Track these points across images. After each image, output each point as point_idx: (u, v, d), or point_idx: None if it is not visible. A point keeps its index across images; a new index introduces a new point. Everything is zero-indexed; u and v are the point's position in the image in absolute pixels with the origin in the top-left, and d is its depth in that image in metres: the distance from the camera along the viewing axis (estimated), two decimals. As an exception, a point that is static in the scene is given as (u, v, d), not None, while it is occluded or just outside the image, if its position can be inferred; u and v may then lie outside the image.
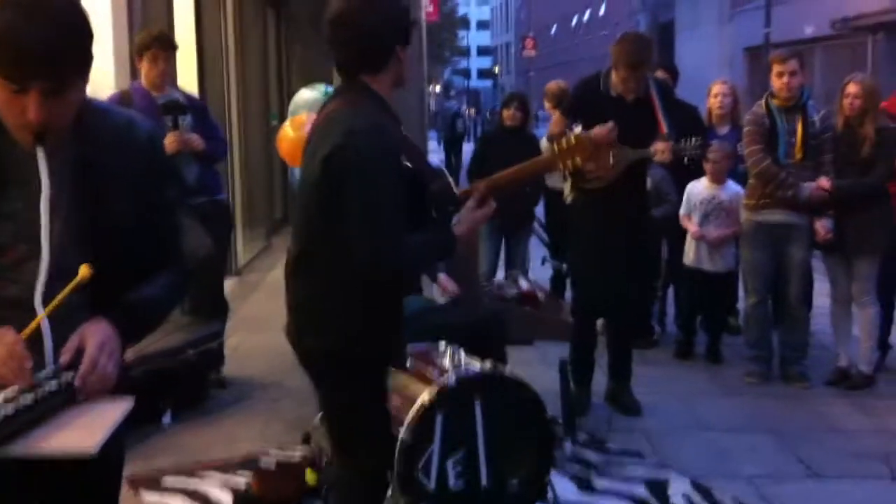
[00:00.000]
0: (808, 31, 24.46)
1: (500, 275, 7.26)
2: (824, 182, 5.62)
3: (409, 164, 2.71)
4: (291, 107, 6.54)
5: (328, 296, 2.77)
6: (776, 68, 5.75)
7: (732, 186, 6.29)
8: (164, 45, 5.56)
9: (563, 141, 2.91)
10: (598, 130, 4.76)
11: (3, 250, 1.96)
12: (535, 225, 7.98)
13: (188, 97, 5.84)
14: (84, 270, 1.92)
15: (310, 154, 2.77)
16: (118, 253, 2.03)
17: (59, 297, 1.91)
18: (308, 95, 6.43)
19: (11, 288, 1.97)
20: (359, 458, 2.97)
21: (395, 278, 2.77)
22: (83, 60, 1.93)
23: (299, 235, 2.86)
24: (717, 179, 6.30)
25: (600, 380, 5.59)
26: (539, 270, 8.22)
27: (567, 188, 6.05)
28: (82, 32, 1.91)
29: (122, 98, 5.52)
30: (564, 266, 6.99)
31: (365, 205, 2.59)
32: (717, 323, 6.57)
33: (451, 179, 2.97)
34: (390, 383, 3.06)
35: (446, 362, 3.86)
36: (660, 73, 6.48)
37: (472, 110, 50.80)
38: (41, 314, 1.92)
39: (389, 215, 2.60)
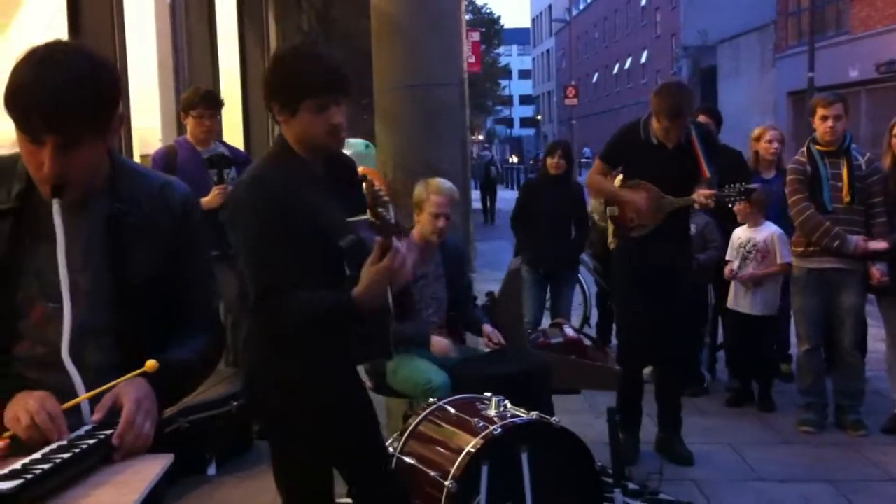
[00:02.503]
0: (853, 74, 24.34)
1: (546, 323, 7.20)
2: (881, 244, 5.52)
3: (308, 216, 2.74)
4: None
5: (248, 343, 2.94)
6: (820, 112, 5.68)
7: (769, 227, 6.22)
8: (210, 104, 5.65)
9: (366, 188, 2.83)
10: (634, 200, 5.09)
11: (29, 309, 1.98)
12: (583, 256, 7.92)
13: (233, 150, 5.91)
14: (151, 364, 1.93)
15: None
16: (146, 313, 2.04)
17: (113, 383, 1.92)
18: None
19: (38, 348, 1.98)
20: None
21: (279, 325, 2.79)
22: (97, 115, 1.93)
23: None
24: (752, 222, 6.26)
25: (650, 429, 5.49)
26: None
27: (609, 233, 6.01)
28: (94, 89, 1.91)
29: (167, 153, 5.60)
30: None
31: (244, 246, 2.76)
32: (762, 369, 6.44)
33: (371, 238, 2.82)
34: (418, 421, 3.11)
35: (492, 412, 3.82)
36: (702, 118, 6.44)
37: (516, 158, 51.01)
38: (83, 396, 1.93)
39: (269, 256, 2.72)
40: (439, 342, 4.66)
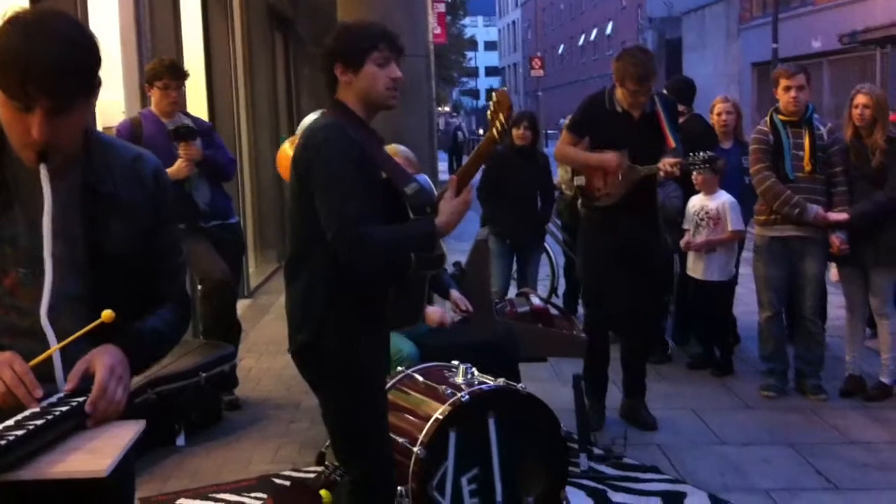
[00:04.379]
0: (816, 45, 24.52)
1: (513, 292, 7.25)
2: (842, 215, 5.62)
3: (380, 171, 2.94)
4: (299, 130, 6.59)
5: (311, 293, 2.95)
6: (783, 83, 5.76)
7: (721, 195, 6.31)
8: (175, 75, 5.60)
9: (490, 106, 2.98)
10: (607, 159, 5.04)
11: (1, 275, 1.98)
12: (551, 227, 7.99)
13: (196, 120, 5.88)
14: (107, 313, 1.95)
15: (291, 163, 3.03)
16: (119, 282, 2.05)
17: (77, 334, 1.93)
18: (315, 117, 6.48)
19: (13, 314, 1.99)
20: (360, 460, 3.06)
21: (362, 253, 2.81)
22: (88, 81, 1.95)
23: (290, 244, 3.07)
24: (707, 191, 6.36)
25: (615, 396, 5.57)
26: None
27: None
28: (88, 53, 1.93)
29: (132, 125, 5.56)
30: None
31: (326, 181, 2.83)
32: (716, 333, 6.57)
33: (429, 184, 3.05)
34: (386, 389, 3.16)
35: (459, 380, 3.87)
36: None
37: (482, 131, 50.97)
38: (54, 347, 1.94)
39: (349, 193, 2.80)
40: (434, 311, 4.73)
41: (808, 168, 5.69)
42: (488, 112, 2.99)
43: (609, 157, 5.14)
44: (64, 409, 1.85)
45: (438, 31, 22.22)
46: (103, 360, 1.94)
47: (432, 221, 2.89)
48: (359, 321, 2.95)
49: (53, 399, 1.89)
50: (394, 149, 4.74)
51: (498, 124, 2.94)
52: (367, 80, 2.94)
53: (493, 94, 3.03)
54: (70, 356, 1.96)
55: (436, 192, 3.20)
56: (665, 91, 6.59)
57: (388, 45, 2.96)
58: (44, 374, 1.92)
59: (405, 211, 2.91)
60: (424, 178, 5.25)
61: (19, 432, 1.74)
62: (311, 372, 3.06)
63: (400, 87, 3.00)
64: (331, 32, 3.05)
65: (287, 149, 6.23)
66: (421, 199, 2.94)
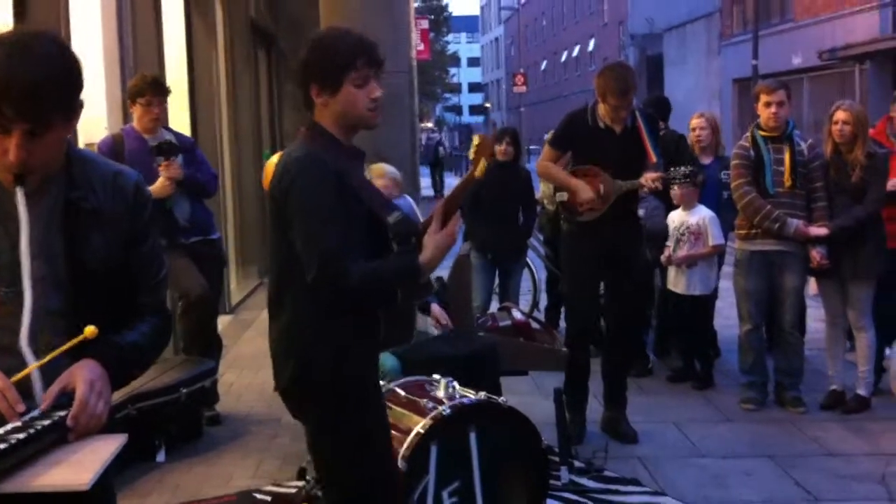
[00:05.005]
0: (796, 61, 24.72)
1: (494, 307, 7.28)
2: (822, 230, 5.67)
3: (359, 197, 2.77)
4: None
5: (295, 328, 2.81)
6: (764, 98, 5.82)
7: (701, 210, 6.37)
8: (158, 91, 5.60)
9: (473, 145, 2.92)
10: (581, 192, 5.16)
11: None
12: (533, 241, 8.02)
13: (179, 136, 5.88)
14: (89, 329, 1.95)
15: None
16: (99, 296, 2.05)
17: (57, 351, 1.94)
18: None
19: None
20: (344, 490, 2.91)
21: (343, 292, 2.69)
22: (67, 104, 1.95)
23: (271, 276, 2.94)
24: (686, 206, 6.42)
25: (596, 409, 5.59)
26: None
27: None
28: (68, 76, 1.93)
29: (114, 141, 5.56)
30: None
31: (304, 218, 2.67)
32: (697, 346, 6.62)
33: (414, 214, 2.92)
34: (376, 415, 2.99)
35: (440, 393, 3.88)
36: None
37: (463, 146, 51.18)
38: (34, 364, 1.95)
39: (329, 228, 2.65)
40: (441, 314, 4.77)
41: (788, 183, 5.75)
42: (471, 151, 2.88)
43: (583, 190, 5.19)
44: (46, 423, 1.86)
45: (422, 47, 22.31)
46: (83, 375, 1.94)
47: (416, 258, 2.74)
48: (347, 353, 2.80)
49: (35, 413, 1.90)
50: (381, 169, 4.77)
51: (482, 167, 2.86)
52: (345, 103, 2.78)
53: (476, 137, 2.95)
54: (50, 371, 1.97)
55: (419, 215, 3.13)
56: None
57: (366, 60, 2.77)
58: (22, 390, 1.93)
59: (386, 238, 2.78)
60: (408, 202, 5.30)
61: (1, 446, 1.75)
62: (300, 406, 2.91)
63: (380, 105, 2.85)
64: (304, 45, 2.85)
65: (275, 161, 6.24)
66: (404, 229, 2.79)
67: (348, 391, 2.83)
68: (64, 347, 1.95)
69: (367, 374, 2.92)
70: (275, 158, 6.16)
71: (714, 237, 6.31)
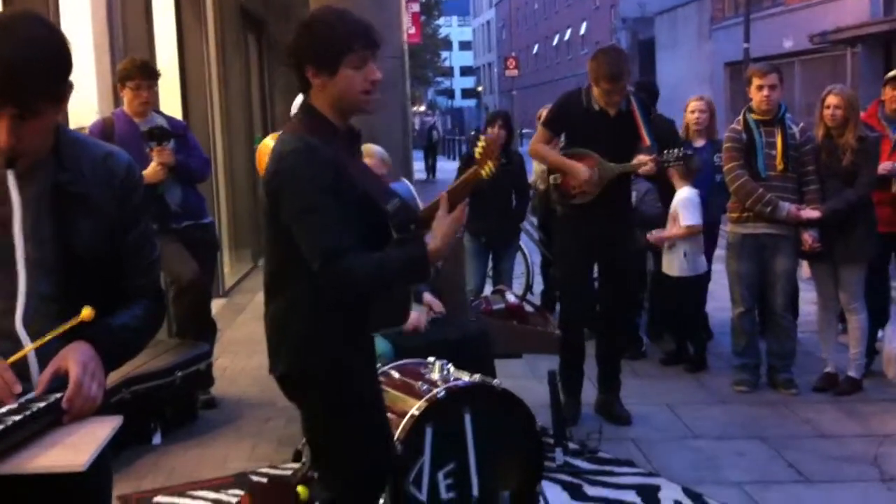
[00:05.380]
0: (787, 45, 24.72)
1: (488, 290, 7.29)
2: (814, 213, 5.68)
3: (354, 183, 2.72)
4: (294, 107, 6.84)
5: (291, 314, 2.81)
6: (756, 81, 5.82)
7: (683, 192, 6.33)
8: (147, 74, 5.57)
9: (479, 147, 2.88)
10: (578, 171, 5.08)
11: None
12: (526, 225, 8.02)
13: (171, 120, 5.85)
14: (86, 311, 1.95)
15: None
16: (92, 280, 2.05)
17: (53, 333, 1.94)
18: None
19: None
20: (341, 475, 2.93)
21: (349, 288, 2.68)
22: (56, 86, 1.92)
23: (266, 265, 2.93)
24: (676, 187, 6.40)
25: (590, 392, 5.61)
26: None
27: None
28: (56, 58, 1.90)
29: (104, 125, 5.53)
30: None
31: (303, 215, 2.64)
32: (689, 329, 6.64)
33: (414, 200, 2.89)
34: (371, 399, 2.99)
35: (435, 376, 3.89)
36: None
37: (456, 130, 51.15)
38: (29, 346, 1.94)
39: (328, 224, 2.63)
40: (432, 301, 4.76)
41: (780, 166, 5.75)
42: (477, 151, 2.83)
43: (580, 169, 5.17)
44: (41, 405, 1.86)
45: (413, 31, 22.22)
46: (76, 357, 1.94)
47: (423, 245, 2.70)
48: (343, 337, 2.81)
49: (31, 396, 1.90)
50: (368, 149, 4.74)
51: (487, 169, 2.83)
52: (343, 85, 2.72)
53: (482, 139, 2.89)
54: (44, 354, 1.96)
55: (419, 201, 3.10)
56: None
57: (363, 43, 2.73)
58: (18, 372, 1.93)
59: (385, 225, 2.75)
60: (407, 186, 5.26)
61: (-3, 427, 1.76)
62: (297, 393, 2.92)
63: (378, 88, 2.80)
64: (298, 26, 2.80)
65: (269, 143, 6.22)
66: (403, 217, 2.77)
67: (343, 378, 2.84)
68: (61, 329, 1.94)
69: (362, 360, 2.93)
70: (268, 141, 6.16)
71: (684, 218, 6.26)
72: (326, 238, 2.62)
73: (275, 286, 2.85)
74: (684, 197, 6.30)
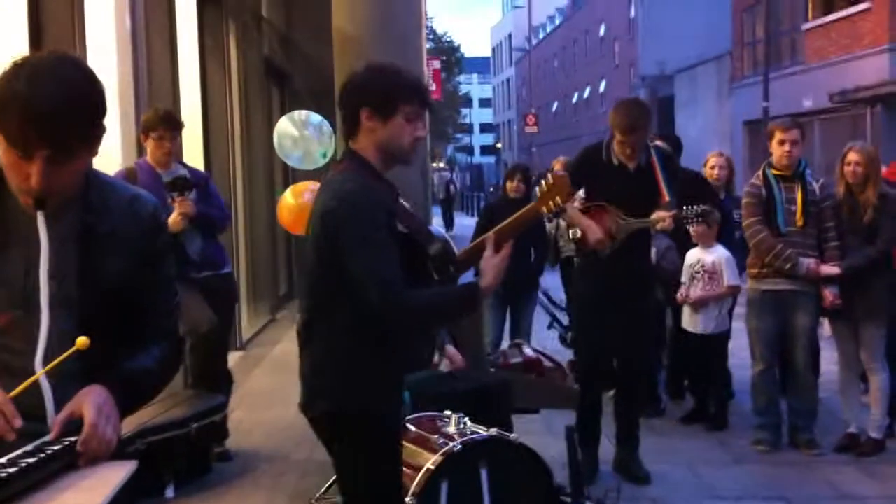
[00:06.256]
0: (807, 104, 24.74)
1: (506, 344, 7.25)
2: (834, 269, 5.64)
3: (403, 228, 2.85)
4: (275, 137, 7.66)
5: (332, 352, 2.85)
6: (778, 136, 5.80)
7: (718, 250, 6.33)
8: (170, 125, 5.63)
9: (543, 183, 2.95)
10: (592, 232, 5.08)
11: None
12: (541, 295, 8.01)
13: (193, 171, 5.90)
14: (81, 341, 1.94)
15: (312, 218, 2.92)
16: (113, 321, 2.05)
17: (55, 362, 1.93)
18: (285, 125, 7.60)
19: (5, 354, 1.99)
20: None
21: (407, 319, 2.80)
22: (90, 131, 1.94)
23: (306, 302, 2.97)
24: (704, 244, 6.38)
25: (608, 449, 5.53)
26: (545, 339, 8.26)
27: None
28: (92, 103, 1.92)
29: (127, 175, 5.56)
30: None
31: (363, 248, 2.73)
32: (709, 387, 6.56)
33: (450, 244, 3.00)
34: (398, 452, 3.04)
35: (451, 429, 3.84)
36: (658, 143, 6.55)
37: (475, 185, 51.38)
38: (37, 374, 1.94)
39: (387, 258, 2.73)
40: (455, 355, 4.75)
41: (799, 222, 5.72)
42: (540, 186, 2.93)
43: (593, 231, 5.15)
44: (56, 447, 1.86)
45: (434, 87, 22.48)
46: (91, 401, 1.93)
47: (477, 286, 2.84)
48: (382, 377, 2.88)
49: (46, 438, 1.89)
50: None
51: (551, 204, 2.91)
52: (394, 132, 2.84)
53: (552, 174, 2.97)
54: (60, 395, 1.96)
55: (452, 245, 3.19)
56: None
57: (420, 99, 2.88)
58: (35, 414, 1.92)
59: (426, 267, 2.87)
60: (441, 232, 5.28)
61: (12, 469, 1.74)
62: (332, 434, 2.95)
63: (419, 146, 2.93)
64: (362, 71, 2.95)
65: (289, 198, 6.26)
66: (445, 259, 2.92)
67: (375, 428, 2.88)
68: (59, 359, 1.93)
69: (396, 403, 3.00)
70: (288, 195, 6.19)
71: (729, 278, 6.26)
72: (386, 270, 2.72)
73: (314, 322, 2.89)
74: (727, 256, 6.27)
